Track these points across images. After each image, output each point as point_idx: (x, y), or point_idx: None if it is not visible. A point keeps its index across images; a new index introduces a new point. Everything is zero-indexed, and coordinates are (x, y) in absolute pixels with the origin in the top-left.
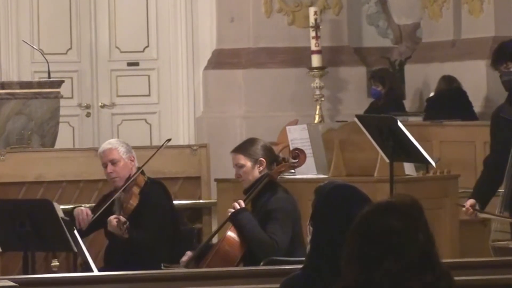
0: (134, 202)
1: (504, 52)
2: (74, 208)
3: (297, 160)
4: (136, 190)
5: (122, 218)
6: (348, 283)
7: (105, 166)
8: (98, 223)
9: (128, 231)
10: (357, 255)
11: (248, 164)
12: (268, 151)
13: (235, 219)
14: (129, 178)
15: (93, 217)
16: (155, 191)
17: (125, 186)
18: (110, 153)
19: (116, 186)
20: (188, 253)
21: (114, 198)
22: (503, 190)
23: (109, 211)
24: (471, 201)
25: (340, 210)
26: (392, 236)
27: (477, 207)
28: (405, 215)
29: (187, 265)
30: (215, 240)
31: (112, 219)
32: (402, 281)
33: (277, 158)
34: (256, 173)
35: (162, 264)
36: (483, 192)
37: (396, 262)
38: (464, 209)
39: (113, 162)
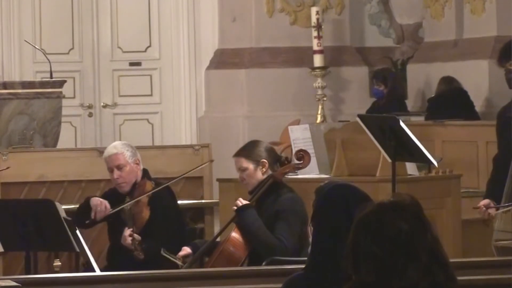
0: (146, 214)
1: (510, 49)
2: (86, 199)
3: (301, 161)
4: (145, 199)
5: (137, 237)
6: (358, 284)
7: (111, 171)
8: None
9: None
10: (367, 256)
11: (251, 166)
12: (270, 152)
13: (240, 215)
14: (135, 183)
15: (110, 211)
16: (163, 196)
17: (137, 199)
18: (116, 158)
19: (123, 191)
20: (185, 249)
21: (124, 206)
22: (505, 191)
23: (117, 217)
24: (485, 201)
25: (340, 209)
26: (403, 237)
27: (492, 205)
28: (413, 215)
29: (191, 265)
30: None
31: (127, 236)
32: (414, 281)
33: (279, 158)
34: (260, 175)
35: (162, 249)
36: (495, 190)
37: (408, 262)
38: (479, 209)
39: (119, 168)
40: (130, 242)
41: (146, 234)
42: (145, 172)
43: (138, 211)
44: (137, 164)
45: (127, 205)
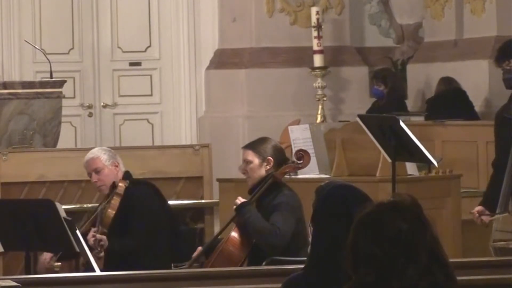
0: (110, 213)
1: (508, 50)
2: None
3: (301, 161)
4: (116, 200)
5: (99, 236)
6: (358, 284)
7: (90, 175)
8: None
9: (105, 247)
10: (366, 256)
11: (256, 161)
12: (278, 152)
13: (239, 212)
14: (114, 184)
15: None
16: (138, 194)
17: (109, 199)
18: (92, 162)
19: (104, 194)
20: (200, 249)
21: (97, 211)
22: (503, 189)
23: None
24: (478, 208)
25: (340, 209)
26: (403, 237)
27: (486, 213)
28: (413, 215)
29: (192, 263)
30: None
31: (90, 237)
32: (414, 281)
33: (287, 160)
34: (262, 171)
35: (172, 264)
36: (493, 196)
37: (408, 262)
38: (473, 215)
39: (97, 171)
40: (92, 242)
41: (115, 232)
42: (126, 175)
43: (105, 210)
44: (116, 166)
45: (99, 210)
